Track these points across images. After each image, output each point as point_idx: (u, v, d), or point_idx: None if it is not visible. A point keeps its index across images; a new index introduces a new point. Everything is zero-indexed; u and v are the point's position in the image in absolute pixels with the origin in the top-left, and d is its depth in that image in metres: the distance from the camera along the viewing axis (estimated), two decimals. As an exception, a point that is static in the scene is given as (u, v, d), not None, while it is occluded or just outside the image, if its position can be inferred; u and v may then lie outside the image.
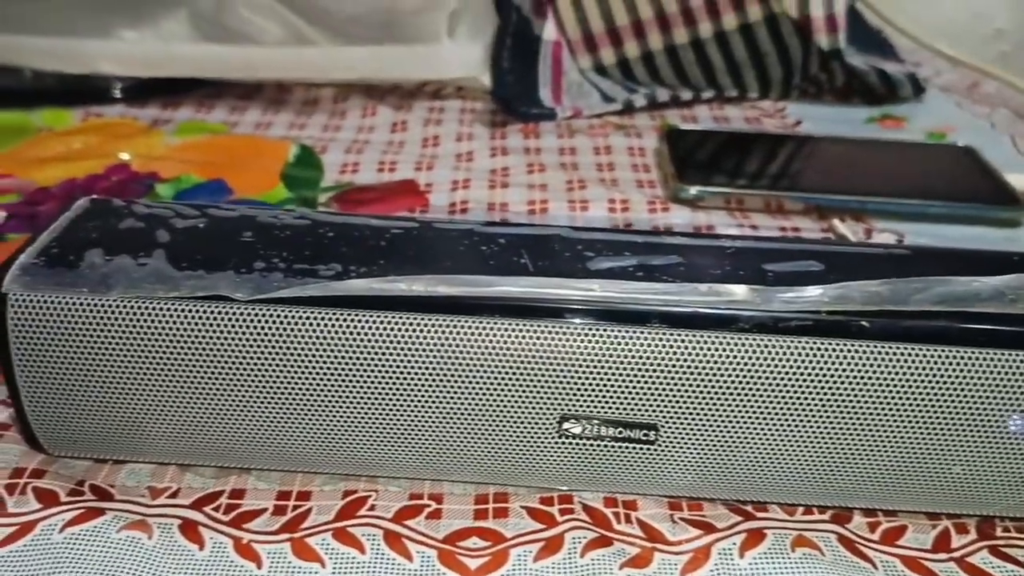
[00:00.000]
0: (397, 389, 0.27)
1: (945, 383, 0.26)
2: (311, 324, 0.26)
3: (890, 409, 0.27)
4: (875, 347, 0.26)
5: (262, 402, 0.27)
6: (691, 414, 0.27)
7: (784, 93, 0.63)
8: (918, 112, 0.62)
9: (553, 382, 0.27)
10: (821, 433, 0.27)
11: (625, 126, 0.57)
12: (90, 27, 0.56)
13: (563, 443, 0.28)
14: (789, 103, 0.62)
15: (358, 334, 0.26)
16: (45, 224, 0.29)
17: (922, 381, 0.26)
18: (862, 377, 0.26)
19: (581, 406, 0.27)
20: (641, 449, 0.28)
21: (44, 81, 0.57)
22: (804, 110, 0.61)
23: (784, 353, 0.26)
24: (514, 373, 0.27)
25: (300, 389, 0.27)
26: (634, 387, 0.27)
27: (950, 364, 0.26)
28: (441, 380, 0.27)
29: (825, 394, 0.27)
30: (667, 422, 0.27)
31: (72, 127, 0.55)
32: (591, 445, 0.28)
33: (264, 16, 0.58)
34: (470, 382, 0.27)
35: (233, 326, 0.26)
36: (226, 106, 0.59)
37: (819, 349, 0.26)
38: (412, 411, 0.27)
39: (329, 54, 0.58)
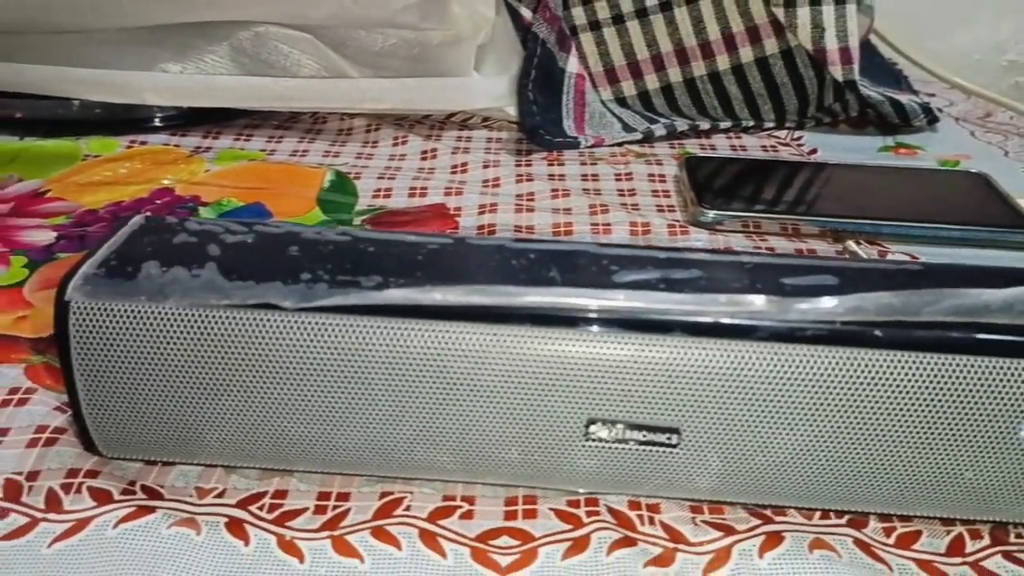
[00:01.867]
0: (434, 393, 0.29)
1: (955, 391, 0.28)
2: (354, 331, 0.28)
3: (903, 416, 0.28)
4: (888, 355, 0.28)
5: (306, 406, 0.29)
6: (712, 419, 0.28)
7: (800, 123, 0.65)
8: (932, 141, 0.63)
9: (581, 387, 0.28)
10: (837, 438, 0.28)
11: (645, 154, 0.59)
12: (136, 60, 0.59)
13: (590, 446, 0.29)
14: (805, 132, 0.64)
15: (397, 341, 0.28)
16: (96, 243, 0.31)
17: (933, 389, 0.28)
18: (876, 385, 0.28)
19: (607, 410, 0.29)
20: (664, 452, 0.29)
21: (91, 111, 0.60)
22: (819, 139, 0.63)
23: (801, 361, 0.28)
24: (544, 379, 0.28)
25: (342, 393, 0.29)
26: (658, 393, 0.28)
27: (960, 372, 0.27)
28: (475, 385, 0.28)
29: (840, 401, 0.28)
30: (689, 426, 0.29)
31: (117, 154, 0.58)
32: (616, 448, 0.29)
33: (300, 50, 0.61)
34: (502, 387, 0.28)
35: (281, 332, 0.28)
36: (264, 135, 0.61)
37: (834, 358, 0.28)
38: (447, 415, 0.29)
39: (361, 86, 0.60)
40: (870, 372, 0.28)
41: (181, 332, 0.28)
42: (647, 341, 0.28)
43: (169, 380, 0.29)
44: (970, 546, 0.30)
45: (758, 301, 0.28)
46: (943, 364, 0.27)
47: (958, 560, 0.29)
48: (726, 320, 0.28)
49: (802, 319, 0.28)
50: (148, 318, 0.28)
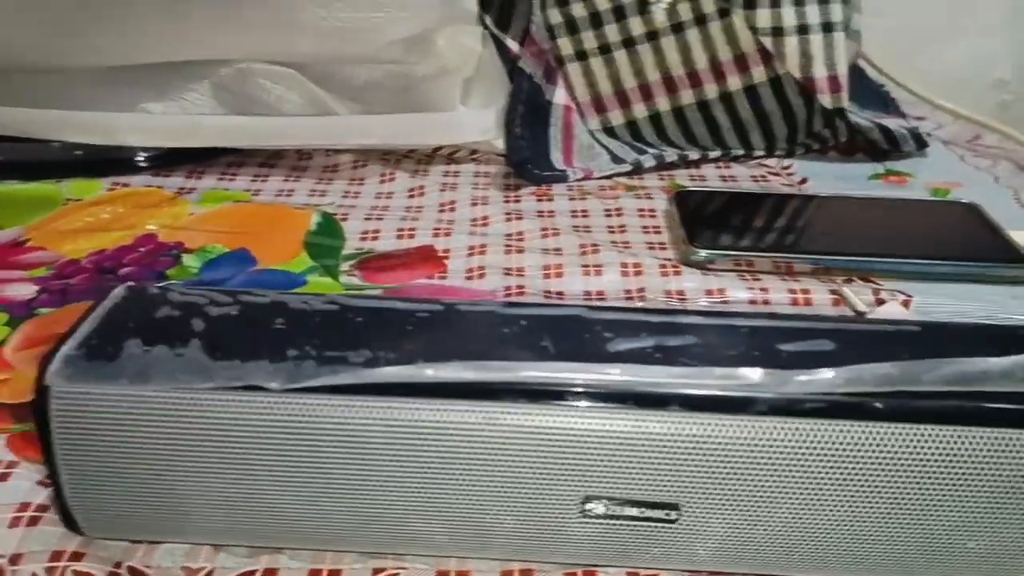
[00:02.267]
0: (425, 472, 0.28)
1: (957, 461, 0.27)
2: (343, 411, 0.27)
3: (904, 487, 0.27)
4: (888, 428, 0.27)
5: (295, 484, 0.28)
6: (712, 493, 0.28)
7: (789, 151, 0.64)
8: (922, 167, 0.63)
9: (576, 464, 0.28)
10: (838, 510, 0.28)
11: (635, 187, 0.59)
12: (116, 101, 0.58)
13: (586, 522, 0.29)
14: (795, 160, 0.64)
15: (388, 420, 0.28)
16: (75, 298, 0.30)
17: (935, 460, 0.27)
18: (876, 456, 0.27)
19: (604, 487, 0.28)
20: (663, 527, 0.29)
21: (71, 152, 0.59)
22: (809, 167, 0.63)
23: (800, 434, 0.27)
24: (538, 455, 0.28)
25: (331, 473, 0.28)
26: (655, 468, 0.28)
27: (962, 443, 0.27)
28: (468, 463, 0.28)
29: (841, 473, 0.27)
30: (688, 501, 0.28)
31: (99, 197, 0.57)
32: (614, 524, 0.29)
33: (284, 85, 0.60)
34: (496, 464, 0.28)
35: (268, 414, 0.28)
36: (249, 173, 0.61)
37: (834, 430, 0.27)
38: (440, 493, 0.28)
39: (348, 122, 0.60)
40: (871, 444, 0.27)
41: (164, 415, 0.28)
42: (643, 416, 0.28)
43: (153, 462, 0.28)
44: (974, 613, 0.29)
45: (755, 374, 0.28)
46: (944, 436, 0.27)
47: (962, 629, 0.29)
48: (723, 393, 0.28)
49: (800, 391, 0.27)
50: (130, 402, 0.28)
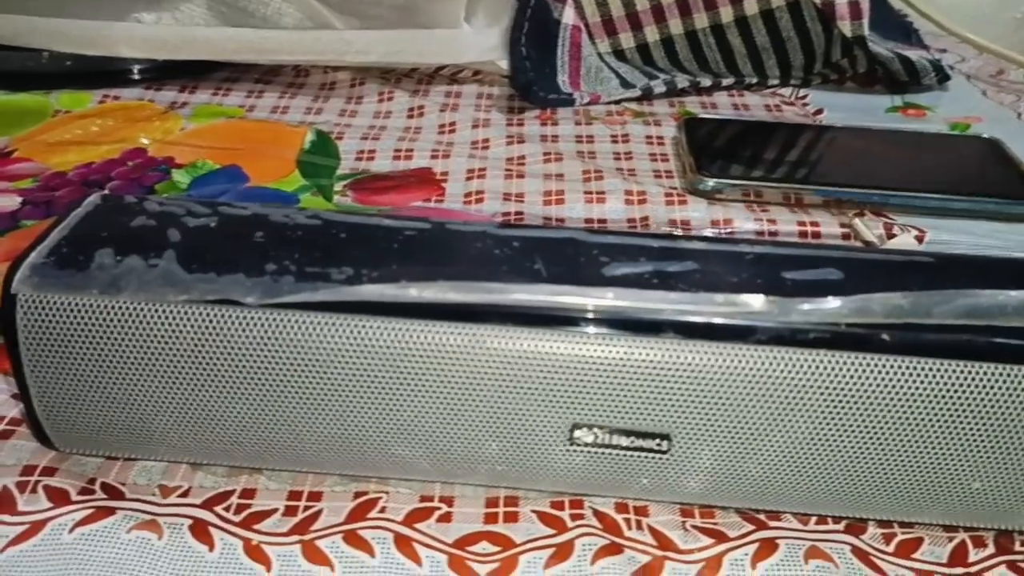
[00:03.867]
0: (408, 394, 0.27)
1: (967, 398, 0.26)
2: (321, 329, 0.26)
3: (909, 423, 0.26)
4: (895, 361, 0.26)
5: (272, 403, 0.27)
6: (705, 425, 0.27)
7: (805, 80, 0.62)
8: (942, 101, 0.61)
9: (565, 390, 0.27)
10: (837, 445, 0.27)
11: (644, 114, 0.57)
12: (108, 10, 0.56)
13: (574, 451, 0.27)
14: (810, 90, 0.61)
15: (368, 340, 0.26)
16: (60, 211, 0.29)
17: (943, 396, 0.26)
18: (881, 391, 0.26)
19: (593, 415, 0.27)
20: (653, 458, 0.27)
21: (62, 63, 0.57)
22: (825, 98, 0.60)
23: (802, 366, 0.26)
24: (525, 381, 0.26)
25: (310, 392, 0.27)
26: (647, 397, 0.26)
27: (973, 379, 0.26)
28: (452, 387, 0.27)
29: (843, 407, 0.26)
30: (680, 432, 0.27)
31: (89, 110, 0.55)
32: (603, 453, 0.27)
33: (281, -2, 0.57)
34: (481, 389, 0.27)
35: (243, 330, 0.26)
36: (243, 89, 0.59)
37: (838, 362, 0.26)
38: (423, 416, 0.27)
39: (346, 37, 0.57)
40: (876, 378, 0.26)
41: (136, 327, 0.26)
42: (637, 342, 0.26)
43: (126, 376, 0.27)
44: (973, 555, 0.29)
45: (757, 301, 0.26)
46: (953, 370, 0.26)
47: (960, 571, 0.28)
48: (722, 321, 0.26)
49: (804, 321, 0.26)
50: (101, 312, 0.26)
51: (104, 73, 0.58)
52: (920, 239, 0.44)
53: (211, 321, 0.26)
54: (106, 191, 0.31)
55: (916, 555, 0.28)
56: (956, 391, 0.26)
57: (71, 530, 0.28)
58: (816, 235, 0.44)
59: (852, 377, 0.26)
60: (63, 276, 0.27)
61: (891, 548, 0.29)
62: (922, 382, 0.26)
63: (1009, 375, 0.25)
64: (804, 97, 0.60)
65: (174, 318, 0.26)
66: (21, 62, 0.58)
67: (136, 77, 0.59)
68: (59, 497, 0.29)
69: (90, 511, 0.28)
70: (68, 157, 0.49)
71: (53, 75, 0.58)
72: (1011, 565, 0.28)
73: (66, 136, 0.52)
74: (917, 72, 0.61)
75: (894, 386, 0.26)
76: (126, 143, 0.51)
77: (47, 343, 0.27)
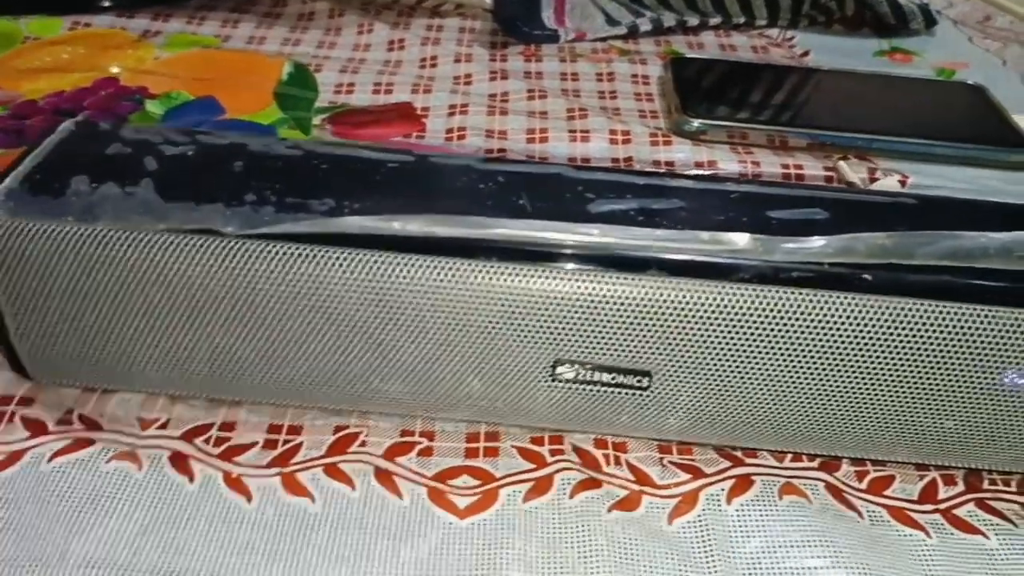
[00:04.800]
0: (389, 328, 0.27)
1: (945, 339, 0.26)
2: (303, 261, 0.26)
3: (887, 363, 0.26)
4: (877, 300, 0.26)
5: (252, 335, 0.27)
6: (686, 362, 0.27)
7: (793, 21, 0.61)
8: (929, 46, 0.60)
9: (548, 326, 0.26)
10: (817, 384, 0.27)
11: (629, 52, 0.56)
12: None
13: (555, 387, 0.28)
14: (797, 32, 0.61)
15: (350, 273, 0.26)
16: (32, 140, 0.28)
17: (922, 336, 0.26)
18: (862, 330, 0.26)
19: (575, 351, 0.27)
20: (634, 395, 0.28)
21: (30, -13, 0.55)
22: (812, 40, 0.60)
23: (784, 304, 0.26)
24: (508, 316, 0.26)
25: (290, 324, 0.27)
26: (630, 334, 0.26)
27: (951, 320, 0.26)
28: (434, 321, 0.26)
29: (823, 345, 0.26)
30: (661, 369, 0.27)
31: (60, 36, 0.53)
32: (584, 390, 0.28)
33: (257, -77, 0.56)
34: (463, 323, 0.26)
35: (222, 259, 0.26)
36: (218, 18, 0.57)
37: (820, 301, 0.26)
38: (404, 350, 0.27)
39: (325, -34, 0.56)
40: (856, 317, 0.26)
41: (113, 256, 0.26)
42: (621, 279, 0.26)
43: (103, 305, 0.27)
44: (943, 492, 0.29)
45: (741, 239, 0.26)
46: (933, 311, 0.26)
47: (930, 507, 0.29)
48: (706, 259, 0.26)
49: (788, 260, 0.26)
50: (77, 239, 0.26)
51: (74, -1, 0.56)
52: (903, 183, 0.44)
53: (190, 250, 0.26)
54: (79, 118, 0.30)
55: (888, 492, 0.29)
56: (936, 331, 0.26)
57: (49, 460, 0.27)
58: (800, 177, 0.44)
59: (834, 316, 0.26)
60: (38, 203, 0.26)
61: (863, 485, 0.29)
62: (903, 322, 0.26)
63: (988, 316, 0.26)
64: (791, 39, 0.60)
65: (152, 246, 0.26)
66: (-13, -14, 0.56)
67: (107, 4, 0.57)
68: (36, 427, 0.28)
69: (68, 441, 0.28)
70: (39, 84, 0.48)
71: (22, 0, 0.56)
72: (980, 503, 0.29)
73: (36, 63, 0.50)
74: (905, 16, 0.60)
75: (875, 326, 0.26)
76: (98, 71, 0.50)
77: (22, 270, 0.26)
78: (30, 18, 0.55)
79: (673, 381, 0.27)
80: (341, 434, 0.29)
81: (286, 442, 0.29)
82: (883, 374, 0.26)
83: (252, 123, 0.46)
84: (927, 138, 0.46)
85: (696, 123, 0.46)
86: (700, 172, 0.44)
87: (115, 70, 0.50)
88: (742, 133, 0.46)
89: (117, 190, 0.27)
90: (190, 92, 0.48)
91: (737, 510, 0.28)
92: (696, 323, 0.26)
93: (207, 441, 0.29)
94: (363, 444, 0.29)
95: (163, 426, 0.29)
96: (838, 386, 0.27)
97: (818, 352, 0.26)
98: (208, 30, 0.55)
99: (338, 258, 0.26)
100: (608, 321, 0.26)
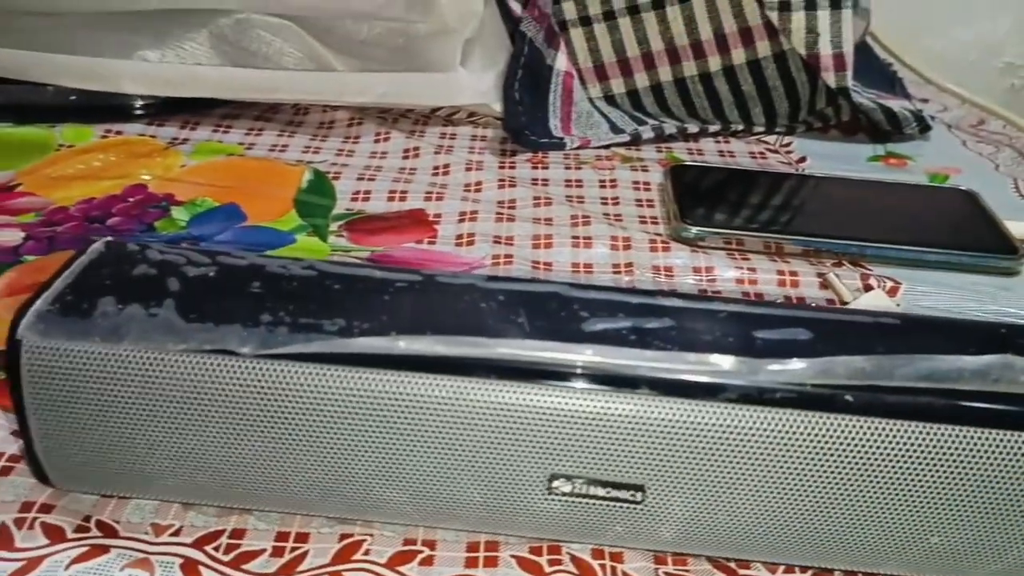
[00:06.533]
0: (395, 443, 0.28)
1: (925, 458, 0.27)
2: (314, 380, 0.27)
3: (870, 480, 0.27)
4: (857, 421, 0.27)
5: (264, 448, 0.29)
6: (677, 477, 0.28)
7: (790, 128, 0.64)
8: (923, 151, 0.62)
9: (544, 442, 0.28)
10: (802, 499, 0.28)
11: (632, 159, 0.58)
12: (113, 47, 0.58)
13: (552, 500, 0.29)
14: (795, 138, 0.63)
15: (358, 391, 0.28)
16: (62, 246, 0.30)
17: (902, 455, 0.27)
18: (844, 449, 0.27)
19: (570, 465, 0.28)
20: (628, 508, 0.29)
21: (66, 97, 0.58)
22: (809, 146, 0.62)
23: (768, 423, 0.27)
24: (507, 432, 0.28)
25: (301, 439, 0.28)
26: (623, 449, 0.28)
27: (930, 440, 0.27)
28: (436, 436, 0.28)
29: (808, 463, 0.27)
30: (654, 483, 0.28)
31: (91, 144, 0.56)
32: (579, 503, 0.29)
33: (282, 38, 0.59)
34: (464, 439, 0.28)
35: (238, 379, 0.28)
36: (243, 127, 0.60)
37: (803, 421, 0.27)
38: (407, 463, 0.28)
39: (345, 78, 0.59)
40: (839, 436, 0.27)
41: (135, 374, 0.28)
42: (614, 397, 0.27)
43: (123, 420, 0.28)
44: (933, 606, 0.30)
45: (726, 361, 0.28)
46: (913, 431, 0.27)
47: (920, 621, 0.29)
48: (693, 379, 0.28)
49: (771, 380, 0.27)
50: (102, 359, 0.28)
51: (107, 108, 0.59)
52: (894, 291, 0.45)
53: (208, 370, 0.28)
54: (109, 238, 0.32)
55: (878, 605, 0.30)
56: (915, 451, 0.27)
57: (67, 567, 0.29)
58: (794, 284, 0.45)
59: (816, 435, 0.27)
60: (67, 324, 0.28)
61: (855, 598, 0.30)
62: (883, 441, 0.27)
63: (965, 437, 0.27)
64: (788, 144, 0.62)
65: (172, 366, 0.28)
66: (26, 95, 0.59)
67: (138, 112, 0.60)
68: (55, 534, 0.30)
69: (85, 548, 0.29)
70: (71, 192, 0.51)
71: (57, 109, 0.59)
72: (968, 616, 0.29)
73: (69, 171, 0.53)
74: (899, 122, 0.63)
75: (856, 445, 0.27)
76: (127, 179, 0.52)
77: (49, 387, 0.28)
78: (64, 126, 0.58)
79: (665, 495, 0.28)
80: (346, 542, 0.31)
81: (293, 549, 0.30)
82: (866, 491, 0.28)
83: (272, 229, 0.48)
84: (919, 245, 0.48)
85: (694, 230, 0.48)
86: (696, 279, 0.45)
87: (145, 177, 0.53)
88: (738, 240, 0.48)
89: (141, 311, 0.28)
90: (214, 199, 0.50)
91: (729, 623, 0.29)
92: (686, 440, 0.27)
93: (217, 548, 0.30)
94: (367, 552, 0.30)
95: (176, 533, 0.30)
96: (823, 501, 0.28)
97: (803, 469, 0.27)
98: (233, 138, 0.59)
99: (347, 377, 0.27)
100: (602, 437, 0.28)
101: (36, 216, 0.48)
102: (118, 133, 0.58)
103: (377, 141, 0.59)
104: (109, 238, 0.33)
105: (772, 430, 0.27)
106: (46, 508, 0.31)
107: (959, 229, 0.50)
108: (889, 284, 0.46)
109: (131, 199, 0.51)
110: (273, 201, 0.51)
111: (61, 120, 0.59)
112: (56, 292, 0.29)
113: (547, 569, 0.30)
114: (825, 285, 0.45)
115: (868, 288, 0.45)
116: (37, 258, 0.45)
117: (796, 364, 0.27)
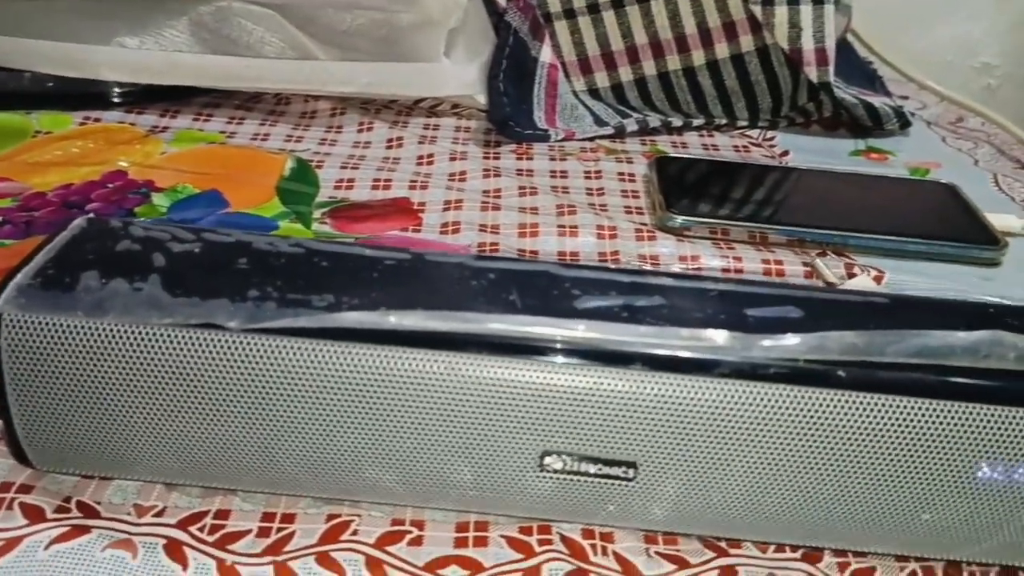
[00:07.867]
0: (383, 419, 0.28)
1: (916, 433, 0.27)
2: (302, 355, 0.27)
3: (862, 456, 0.27)
4: (850, 396, 0.27)
5: (250, 426, 0.28)
6: (670, 454, 0.28)
7: (773, 122, 0.64)
8: (903, 146, 0.63)
9: (536, 418, 0.28)
10: (795, 476, 0.28)
11: (616, 151, 0.58)
12: (91, 33, 0.57)
13: (543, 477, 0.28)
14: (777, 132, 0.63)
15: (347, 367, 0.27)
16: (40, 232, 0.29)
17: (894, 430, 0.27)
18: (836, 424, 0.27)
19: (562, 442, 0.28)
20: (620, 485, 0.28)
21: (43, 84, 0.57)
22: (792, 140, 0.62)
23: (761, 399, 0.27)
24: (498, 409, 0.27)
25: (288, 415, 0.28)
26: (615, 426, 0.28)
27: (922, 416, 0.27)
28: (427, 413, 0.28)
29: (800, 439, 0.27)
30: (646, 460, 0.28)
31: (70, 131, 0.56)
32: (570, 480, 0.28)
33: (264, 27, 0.58)
34: (455, 416, 0.28)
35: (225, 353, 0.27)
36: (224, 116, 0.59)
37: (795, 396, 0.27)
38: (397, 441, 0.28)
39: (327, 68, 0.59)
40: (831, 412, 0.27)
41: (119, 349, 0.27)
42: (606, 373, 0.27)
43: (106, 396, 0.28)
44: (922, 584, 0.30)
45: (720, 336, 0.27)
46: (905, 406, 0.27)
47: (910, 599, 0.29)
48: (687, 354, 0.27)
49: (764, 356, 0.27)
50: (85, 333, 0.27)
51: (85, 95, 0.59)
52: (879, 280, 0.45)
53: (194, 344, 0.27)
54: (91, 215, 0.32)
55: (869, 583, 0.30)
56: (906, 426, 0.27)
57: (46, 547, 0.28)
58: (780, 273, 0.45)
59: (809, 411, 0.27)
60: (48, 297, 0.27)
61: (845, 576, 0.30)
62: (875, 417, 0.27)
63: (955, 412, 0.27)
64: (771, 138, 0.63)
65: (157, 341, 0.27)
66: (2, 82, 0.58)
67: (117, 100, 0.59)
68: (35, 514, 0.29)
69: (66, 529, 0.29)
70: (48, 178, 0.50)
71: (34, 95, 0.58)
72: (958, 595, 0.29)
73: (46, 157, 0.52)
74: (880, 117, 0.63)
75: (848, 420, 0.27)
76: (106, 165, 0.52)
77: (30, 362, 0.27)
78: (41, 113, 0.57)
79: (658, 472, 0.28)
80: (333, 522, 0.30)
81: (279, 530, 0.30)
82: (858, 467, 0.28)
83: (255, 216, 0.48)
84: (901, 235, 0.48)
85: (679, 219, 0.48)
86: (683, 268, 0.45)
87: (123, 164, 0.52)
88: (724, 229, 0.48)
89: (125, 285, 0.28)
90: (196, 186, 0.50)
91: (721, 601, 0.28)
92: (679, 416, 0.27)
93: (202, 529, 0.29)
94: (355, 533, 0.30)
95: (159, 514, 0.30)
96: (815, 478, 0.28)
97: (795, 445, 0.27)
98: (214, 127, 0.58)
99: (336, 352, 0.27)
100: (594, 413, 0.27)
101: (13, 201, 0.47)
102: (96, 120, 0.57)
103: (360, 131, 0.59)
104: (91, 215, 0.32)
105: (765, 405, 0.27)
106: (25, 489, 0.30)
107: (941, 220, 0.51)
108: (873, 273, 0.46)
109: (110, 185, 0.50)
110: (255, 188, 0.50)
111: (38, 107, 0.58)
112: (37, 266, 0.29)
113: (537, 549, 0.30)
114: (811, 273, 0.45)
115: (852, 276, 0.45)
116: (14, 242, 0.44)
117: (790, 339, 0.27)
